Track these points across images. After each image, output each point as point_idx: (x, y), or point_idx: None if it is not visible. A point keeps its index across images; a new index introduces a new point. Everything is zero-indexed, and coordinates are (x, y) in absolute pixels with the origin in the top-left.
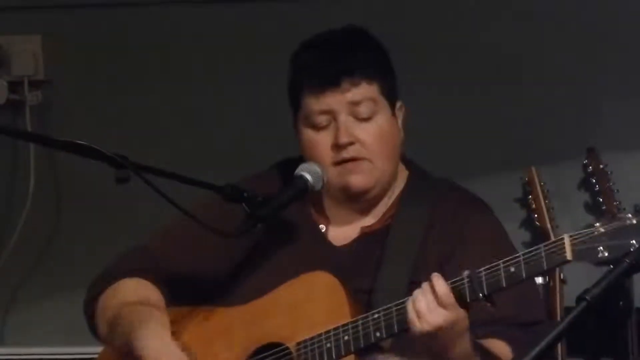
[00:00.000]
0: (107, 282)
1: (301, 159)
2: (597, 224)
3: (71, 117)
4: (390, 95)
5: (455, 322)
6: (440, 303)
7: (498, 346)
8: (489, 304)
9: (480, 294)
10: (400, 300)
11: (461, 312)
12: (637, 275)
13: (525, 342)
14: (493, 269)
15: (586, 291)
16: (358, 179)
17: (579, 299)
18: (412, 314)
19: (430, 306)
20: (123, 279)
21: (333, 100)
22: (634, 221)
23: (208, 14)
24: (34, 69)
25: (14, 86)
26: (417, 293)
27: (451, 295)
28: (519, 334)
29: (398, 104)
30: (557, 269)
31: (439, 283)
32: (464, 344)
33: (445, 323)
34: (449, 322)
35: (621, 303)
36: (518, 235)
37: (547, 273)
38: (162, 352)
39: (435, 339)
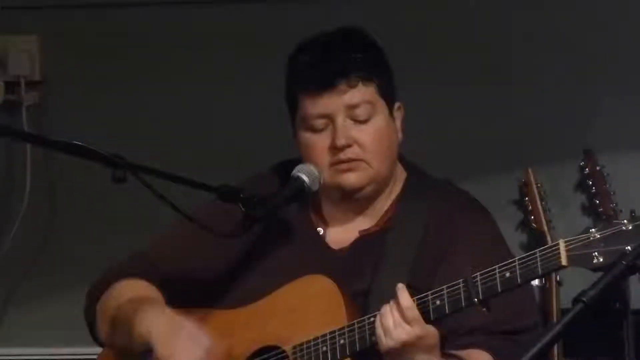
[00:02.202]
0: (105, 287)
1: (300, 161)
2: (593, 230)
3: (68, 118)
4: (388, 95)
5: (421, 338)
6: (404, 317)
7: (480, 357)
8: (484, 309)
9: (475, 299)
10: None
11: (429, 329)
12: (633, 277)
13: (510, 351)
14: (488, 274)
15: (582, 293)
16: (351, 178)
17: (575, 300)
18: (379, 330)
19: (396, 322)
20: (120, 281)
21: (330, 102)
22: (630, 227)
23: (206, 15)
24: (31, 69)
25: (11, 86)
26: (384, 309)
27: (415, 309)
28: (502, 344)
29: (396, 105)
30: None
31: (403, 297)
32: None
33: (409, 338)
34: (414, 337)
35: (617, 305)
36: (514, 237)
37: (543, 278)
38: (168, 324)
39: (402, 354)
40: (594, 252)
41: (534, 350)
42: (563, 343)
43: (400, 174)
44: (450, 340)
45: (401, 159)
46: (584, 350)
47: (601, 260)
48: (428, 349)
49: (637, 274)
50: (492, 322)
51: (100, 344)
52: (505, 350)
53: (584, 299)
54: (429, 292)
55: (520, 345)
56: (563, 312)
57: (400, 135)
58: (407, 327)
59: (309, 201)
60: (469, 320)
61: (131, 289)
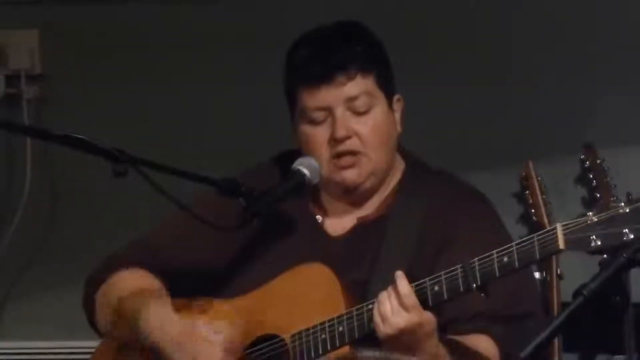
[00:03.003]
0: (105, 276)
1: (301, 151)
2: (590, 213)
3: (68, 112)
4: (387, 87)
5: (419, 324)
6: (403, 304)
7: (482, 343)
8: (482, 295)
9: (474, 284)
10: None
11: (426, 315)
12: (634, 270)
13: (511, 337)
14: (486, 259)
15: (583, 286)
16: (351, 174)
17: (576, 294)
18: (377, 318)
19: (394, 309)
20: (121, 271)
21: (328, 95)
22: (627, 210)
23: (207, 11)
24: (31, 63)
25: (11, 80)
26: (382, 295)
27: (413, 296)
28: (505, 329)
29: (396, 97)
30: (554, 264)
31: (402, 284)
32: (432, 347)
33: (407, 325)
34: (412, 324)
35: (617, 298)
36: (515, 230)
37: (541, 262)
38: (179, 329)
39: (400, 341)
40: (592, 235)
41: (535, 343)
42: (563, 337)
43: (399, 164)
44: (450, 328)
45: (400, 150)
46: (583, 344)
47: (599, 243)
48: (426, 336)
49: (638, 267)
50: (492, 308)
51: (98, 332)
52: (506, 335)
53: (584, 292)
54: (427, 279)
55: (520, 331)
56: (563, 305)
57: (399, 127)
58: (404, 314)
59: (308, 190)
60: (469, 307)
61: (133, 280)
